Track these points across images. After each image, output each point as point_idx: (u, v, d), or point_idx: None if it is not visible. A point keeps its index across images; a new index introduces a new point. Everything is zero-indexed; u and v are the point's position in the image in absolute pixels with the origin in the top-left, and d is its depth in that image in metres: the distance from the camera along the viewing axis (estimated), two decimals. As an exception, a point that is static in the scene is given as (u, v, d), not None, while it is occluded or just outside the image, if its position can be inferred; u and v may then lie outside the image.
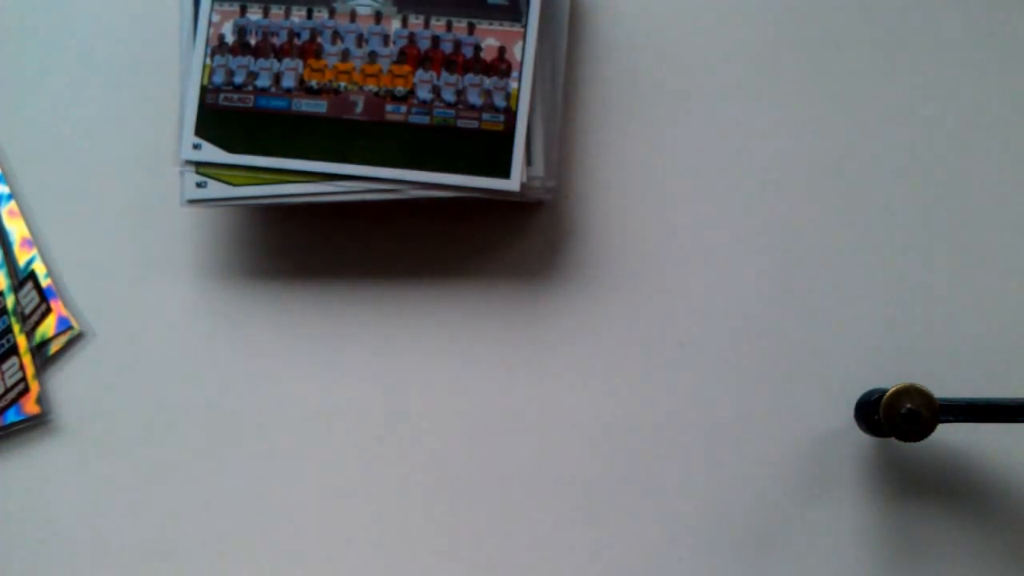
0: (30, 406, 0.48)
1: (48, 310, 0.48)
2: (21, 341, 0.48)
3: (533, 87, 0.44)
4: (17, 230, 0.49)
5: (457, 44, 0.44)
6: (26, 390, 0.48)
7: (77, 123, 0.50)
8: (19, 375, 0.48)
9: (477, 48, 0.44)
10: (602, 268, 0.48)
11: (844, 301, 0.47)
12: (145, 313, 0.49)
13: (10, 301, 0.48)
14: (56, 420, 0.48)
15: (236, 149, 0.44)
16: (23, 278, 0.49)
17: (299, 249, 0.49)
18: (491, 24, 0.44)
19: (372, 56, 0.45)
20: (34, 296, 0.48)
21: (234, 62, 0.45)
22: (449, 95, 0.44)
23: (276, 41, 0.45)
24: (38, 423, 0.48)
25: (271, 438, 0.48)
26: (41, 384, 0.48)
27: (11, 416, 0.47)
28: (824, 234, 0.47)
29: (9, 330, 0.48)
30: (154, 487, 0.48)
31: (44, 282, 0.49)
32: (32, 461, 0.48)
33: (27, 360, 0.48)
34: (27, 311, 0.48)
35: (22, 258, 0.49)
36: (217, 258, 0.49)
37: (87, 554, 0.47)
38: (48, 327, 0.48)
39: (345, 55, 0.45)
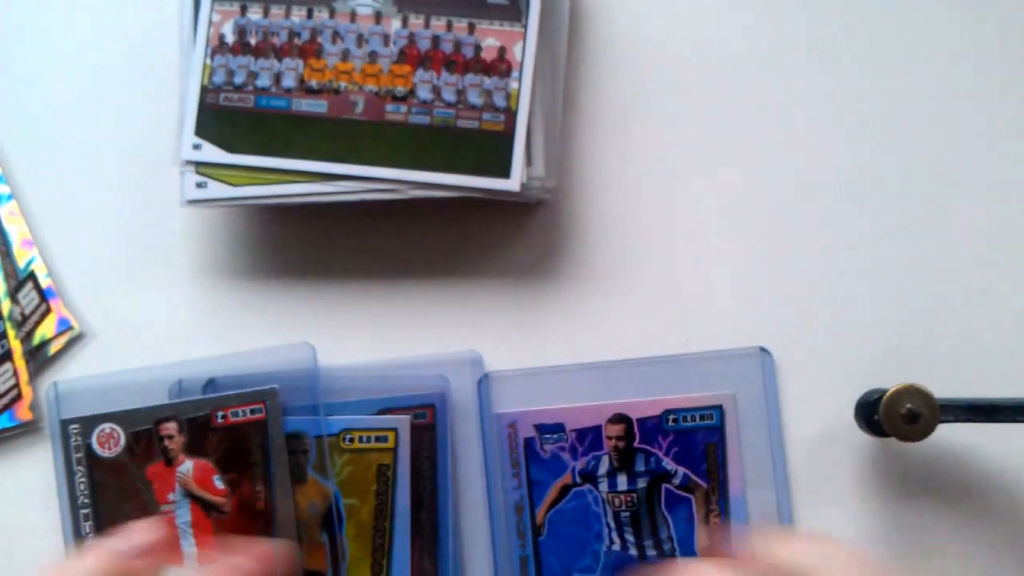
0: (23, 412, 0.48)
1: (48, 310, 0.48)
2: (16, 347, 0.48)
3: (533, 87, 0.44)
4: (17, 230, 0.49)
5: (457, 44, 0.44)
6: (19, 396, 0.48)
7: (77, 123, 0.50)
8: (12, 381, 0.48)
9: (477, 48, 0.44)
10: (602, 268, 0.48)
11: (844, 301, 0.47)
12: (145, 313, 0.49)
13: (5, 306, 0.48)
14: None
15: (236, 149, 0.44)
16: (23, 278, 0.49)
17: (299, 249, 0.49)
18: (491, 24, 0.44)
19: (372, 56, 0.45)
20: (34, 296, 0.48)
21: (234, 62, 0.45)
22: (449, 95, 0.44)
23: (276, 41, 0.45)
24: (31, 430, 0.48)
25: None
26: (34, 389, 0.48)
27: (3, 422, 0.47)
28: (824, 234, 0.47)
29: (4, 335, 0.48)
30: (154, 487, 0.48)
31: (44, 283, 0.49)
32: (29, 466, 0.48)
33: (21, 366, 0.48)
34: (27, 311, 0.48)
35: (22, 258, 0.49)
36: (217, 258, 0.49)
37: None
38: (48, 327, 0.48)
39: (345, 55, 0.45)
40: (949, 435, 0.46)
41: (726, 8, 0.49)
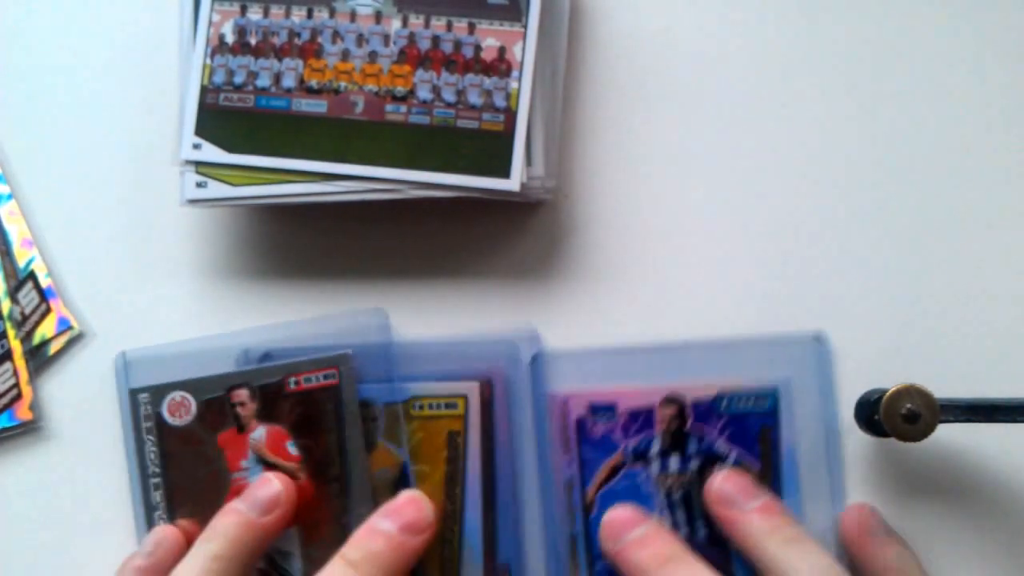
0: (23, 412, 0.48)
1: (48, 310, 0.48)
2: (16, 346, 0.48)
3: (533, 87, 0.44)
4: (17, 230, 0.49)
5: (457, 44, 0.44)
6: (19, 396, 0.48)
7: (77, 123, 0.50)
8: (12, 380, 0.48)
9: (477, 48, 0.44)
10: (602, 268, 0.48)
11: (844, 301, 0.47)
12: (145, 313, 0.49)
13: (5, 306, 0.48)
14: (55, 420, 0.48)
15: (236, 149, 0.44)
16: (23, 278, 0.49)
17: (299, 249, 0.49)
18: (491, 24, 0.44)
19: (372, 56, 0.45)
20: (34, 296, 0.48)
21: (234, 62, 0.45)
22: (449, 95, 0.44)
23: (276, 41, 0.45)
24: (30, 429, 0.48)
25: (271, 438, 0.47)
26: (35, 389, 0.48)
27: (3, 422, 0.47)
28: (825, 233, 0.47)
29: (3, 335, 0.48)
30: (154, 487, 0.48)
31: (44, 282, 0.49)
32: (27, 465, 0.48)
33: (21, 365, 0.48)
34: (27, 311, 0.48)
35: (22, 258, 0.49)
36: (217, 258, 0.49)
37: (88, 564, 0.47)
38: (48, 327, 0.48)
39: (345, 55, 0.45)
40: (949, 435, 0.46)
41: (726, 7, 0.49)
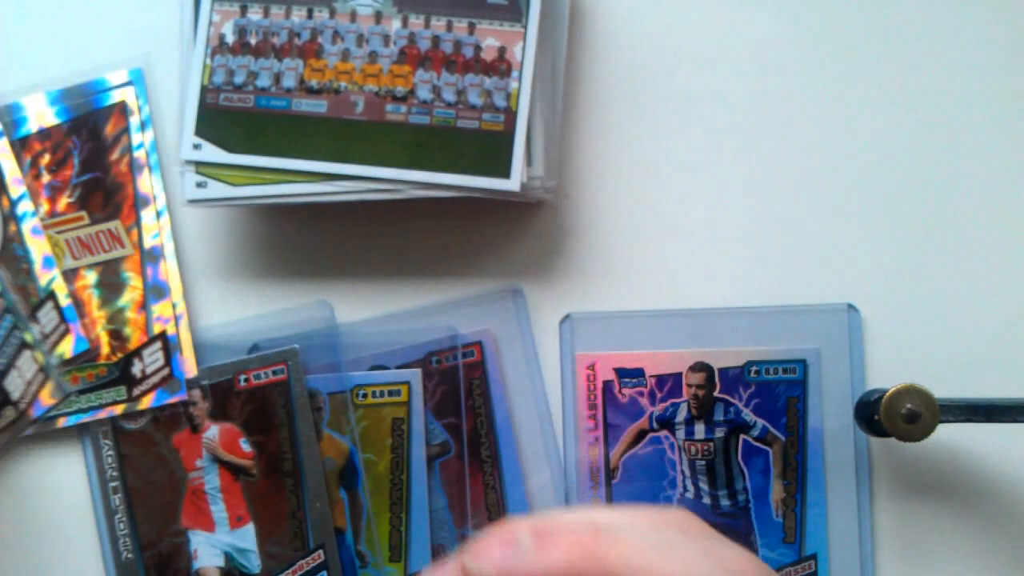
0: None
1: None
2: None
3: (533, 87, 0.44)
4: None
5: (457, 44, 0.44)
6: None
7: (78, 123, 0.50)
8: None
9: (477, 48, 0.44)
10: (602, 268, 0.48)
11: (843, 303, 0.47)
12: (146, 313, 0.49)
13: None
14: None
15: (236, 149, 0.44)
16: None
17: (299, 249, 0.49)
18: (491, 24, 0.44)
19: (372, 56, 0.45)
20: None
21: (234, 62, 0.45)
22: (449, 95, 0.44)
23: (276, 41, 0.45)
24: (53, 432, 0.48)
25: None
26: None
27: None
28: (826, 232, 0.47)
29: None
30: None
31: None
32: (39, 463, 0.48)
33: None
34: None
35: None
36: (217, 258, 0.49)
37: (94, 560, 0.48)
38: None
39: (345, 55, 0.45)
40: (949, 435, 0.46)
41: (726, 7, 0.49)
